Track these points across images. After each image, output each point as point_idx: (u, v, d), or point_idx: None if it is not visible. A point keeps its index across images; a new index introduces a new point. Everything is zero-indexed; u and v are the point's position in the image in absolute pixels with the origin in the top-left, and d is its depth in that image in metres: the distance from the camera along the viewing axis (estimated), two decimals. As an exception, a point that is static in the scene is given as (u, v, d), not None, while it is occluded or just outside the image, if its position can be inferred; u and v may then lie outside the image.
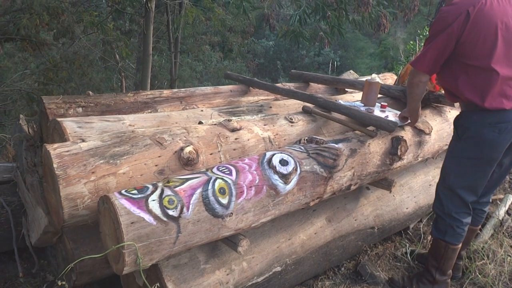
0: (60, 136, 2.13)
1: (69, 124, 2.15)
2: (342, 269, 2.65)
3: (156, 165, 1.93)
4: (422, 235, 3.04)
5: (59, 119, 2.17)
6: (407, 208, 2.91)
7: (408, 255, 2.80)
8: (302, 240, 2.33)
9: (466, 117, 2.20)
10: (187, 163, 2.00)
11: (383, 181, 2.55)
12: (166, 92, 2.93)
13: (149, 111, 2.76)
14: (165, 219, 1.59)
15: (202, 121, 2.39)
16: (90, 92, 2.69)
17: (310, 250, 2.36)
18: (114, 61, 9.48)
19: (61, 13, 6.92)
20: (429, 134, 2.67)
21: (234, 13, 10.66)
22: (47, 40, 7.98)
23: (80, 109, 2.56)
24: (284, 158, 1.96)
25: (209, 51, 12.47)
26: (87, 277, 2.16)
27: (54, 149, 1.78)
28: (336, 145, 2.16)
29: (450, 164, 2.30)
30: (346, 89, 3.66)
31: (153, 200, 1.61)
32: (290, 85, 3.54)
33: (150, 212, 1.58)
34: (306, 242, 2.35)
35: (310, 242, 2.37)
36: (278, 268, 2.21)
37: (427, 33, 2.13)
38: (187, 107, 2.92)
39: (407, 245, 2.94)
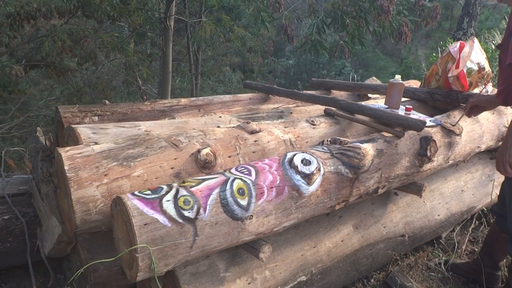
0: (75, 142, 2.07)
1: (83, 130, 2.10)
2: (372, 280, 2.50)
3: (172, 168, 1.84)
4: (456, 244, 2.86)
5: (73, 126, 2.12)
6: (438, 215, 2.74)
7: (442, 265, 2.63)
8: (328, 248, 2.20)
9: None
10: (204, 165, 1.90)
11: (412, 186, 2.40)
12: (183, 101, 2.87)
13: (167, 119, 2.70)
14: (180, 220, 1.49)
15: (220, 126, 2.31)
16: (107, 101, 2.64)
17: (337, 258, 2.22)
18: (136, 85, 9.60)
19: (83, 38, 7.04)
20: (459, 135, 2.53)
21: (254, 33, 10.73)
22: (70, 66, 8.13)
23: (96, 118, 2.51)
24: (306, 158, 1.85)
25: (229, 73, 12.52)
26: (102, 288, 2.06)
27: (66, 152, 1.72)
28: (362, 145, 2.04)
29: None
30: (369, 96, 3.54)
31: (168, 201, 1.51)
32: (312, 93, 3.44)
33: (164, 213, 1.48)
34: (333, 250, 2.21)
35: (337, 250, 2.23)
36: (303, 278, 2.07)
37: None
38: (205, 115, 2.85)
39: (441, 255, 2.77)
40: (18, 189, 2.56)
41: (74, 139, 2.09)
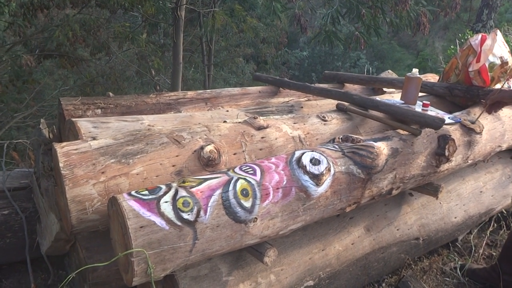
0: (75, 136, 1.99)
1: (83, 124, 2.01)
2: (383, 284, 2.38)
3: (173, 166, 1.75)
4: (473, 248, 2.73)
5: (73, 119, 2.04)
6: (455, 218, 2.61)
7: (458, 270, 2.50)
8: (337, 251, 2.09)
9: None
10: (208, 163, 1.81)
11: (428, 186, 2.28)
12: (190, 93, 2.77)
13: (172, 112, 2.60)
14: (179, 223, 1.40)
15: (227, 121, 2.21)
16: (111, 93, 2.55)
17: (346, 262, 2.11)
18: (149, 75, 9.55)
19: (96, 28, 6.99)
20: (480, 133, 2.39)
21: (268, 24, 10.56)
22: (84, 56, 8.10)
23: (99, 111, 2.42)
24: (316, 157, 1.74)
25: (242, 64, 12.38)
26: (101, 289, 1.99)
27: (62, 148, 1.63)
28: (375, 143, 1.92)
29: None
30: (385, 90, 3.41)
31: (166, 202, 1.42)
32: (324, 87, 3.31)
33: (162, 215, 1.39)
34: (342, 254, 2.10)
35: (347, 253, 2.12)
36: (311, 283, 1.97)
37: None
38: (213, 109, 2.75)
39: (456, 259, 2.64)
40: (19, 183, 2.50)
41: (74, 133, 2.01)
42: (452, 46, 7.35)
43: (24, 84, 7.21)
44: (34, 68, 7.15)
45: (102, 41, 7.44)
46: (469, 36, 7.30)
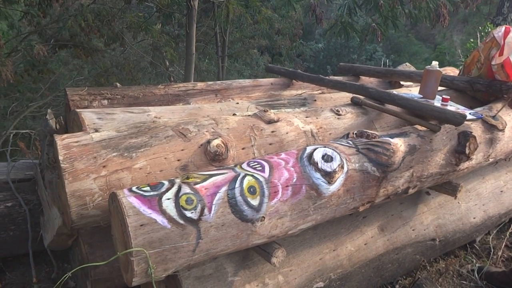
0: (79, 128, 1.93)
1: (88, 115, 1.95)
2: (397, 286, 2.29)
3: (178, 160, 1.67)
4: (492, 250, 2.61)
5: (78, 110, 1.97)
6: (474, 218, 2.50)
7: (476, 272, 2.40)
8: (349, 252, 2.00)
9: None
10: (215, 158, 1.73)
11: (446, 185, 2.18)
12: (200, 85, 2.69)
13: (180, 104, 2.52)
14: (181, 221, 1.32)
15: (236, 114, 2.12)
16: (118, 84, 2.48)
17: (359, 263, 2.02)
18: (163, 66, 9.51)
19: (110, 18, 6.94)
20: (502, 130, 2.27)
21: (283, 15, 10.41)
22: (98, 46, 8.09)
23: (105, 102, 2.36)
24: (328, 153, 1.64)
25: (257, 55, 12.23)
26: (103, 285, 1.93)
27: (62, 140, 1.57)
28: (392, 140, 1.82)
29: None
30: (402, 83, 3.29)
31: (168, 199, 1.34)
32: (338, 79, 3.20)
33: (163, 213, 1.31)
34: (355, 254, 2.01)
35: (359, 254, 2.03)
36: (321, 284, 1.88)
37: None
38: (223, 101, 2.66)
39: (474, 261, 2.53)
40: (24, 174, 2.45)
41: (78, 124, 1.94)
42: (472, 40, 7.13)
43: (39, 74, 7.24)
44: (49, 58, 7.14)
45: (117, 31, 7.40)
46: (490, 29, 7.07)
